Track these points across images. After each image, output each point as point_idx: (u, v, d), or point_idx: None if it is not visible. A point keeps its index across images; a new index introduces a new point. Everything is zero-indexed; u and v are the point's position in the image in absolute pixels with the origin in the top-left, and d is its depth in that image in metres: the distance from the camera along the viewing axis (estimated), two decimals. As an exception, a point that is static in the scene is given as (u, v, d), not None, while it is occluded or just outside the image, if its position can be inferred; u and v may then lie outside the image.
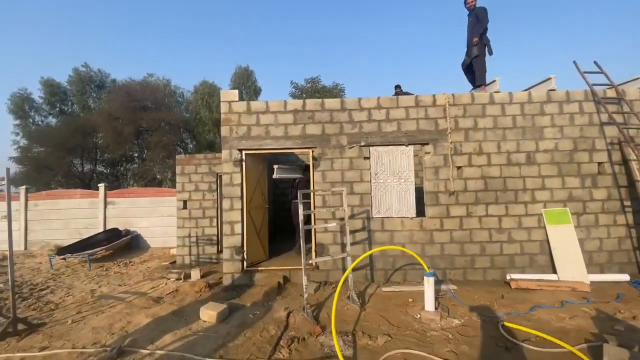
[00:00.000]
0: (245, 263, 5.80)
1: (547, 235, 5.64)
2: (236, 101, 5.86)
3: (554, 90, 5.89)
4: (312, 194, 5.68)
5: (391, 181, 5.77)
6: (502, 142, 5.73)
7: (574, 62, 6.10)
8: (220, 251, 7.72)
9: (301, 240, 4.47)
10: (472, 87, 6.64)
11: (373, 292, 5.15)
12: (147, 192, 10.24)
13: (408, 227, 5.67)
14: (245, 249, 5.79)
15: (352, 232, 5.65)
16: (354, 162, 5.76)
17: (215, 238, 7.70)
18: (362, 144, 5.72)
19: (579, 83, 6.61)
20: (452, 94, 5.79)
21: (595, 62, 6.21)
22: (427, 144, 5.75)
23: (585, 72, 6.00)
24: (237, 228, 5.77)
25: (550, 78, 5.95)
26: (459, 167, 5.72)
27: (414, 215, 5.72)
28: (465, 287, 5.28)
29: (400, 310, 4.44)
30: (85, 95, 20.87)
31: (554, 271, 5.56)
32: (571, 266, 5.43)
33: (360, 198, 5.72)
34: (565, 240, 5.54)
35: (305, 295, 4.39)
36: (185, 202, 7.77)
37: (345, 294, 5.11)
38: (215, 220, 7.72)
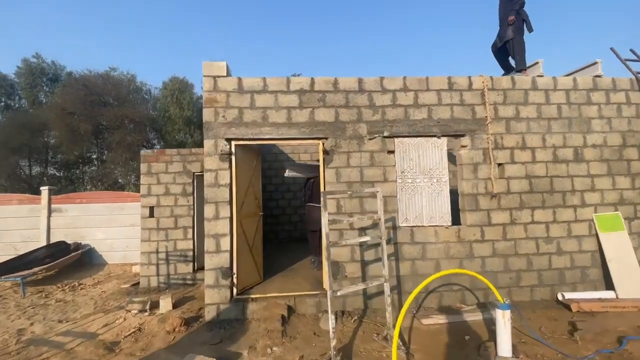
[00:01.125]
0: (235, 289, 4.24)
1: (598, 244, 4.62)
2: (224, 76, 4.34)
3: (600, 76, 4.95)
4: (322, 197, 4.28)
5: (421, 181, 4.50)
6: (547, 135, 4.67)
7: (612, 49, 5.23)
8: (196, 270, 6.05)
9: (326, 263, 3.04)
10: (503, 72, 5.58)
11: (410, 326, 3.81)
12: (104, 196, 8.25)
13: (443, 238, 4.41)
14: (235, 271, 4.24)
15: (375, 245, 4.30)
16: (376, 157, 4.43)
17: (190, 254, 6.01)
18: (386, 134, 4.41)
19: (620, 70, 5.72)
20: (491, 77, 4.67)
21: (631, 50, 5.38)
22: (463, 135, 4.56)
23: (626, 60, 5.14)
24: (225, 243, 4.21)
25: (596, 62, 5.02)
26: (499, 164, 4.58)
27: (450, 224, 4.48)
28: (516, 312, 4.10)
29: (464, 357, 3.12)
30: (35, 89, 17.91)
31: (608, 287, 4.56)
32: (629, 280, 4.43)
33: (384, 202, 4.39)
34: (620, 250, 4.55)
35: (333, 343, 2.95)
36: (152, 208, 6.03)
37: (374, 331, 3.73)
38: (190, 231, 6.04)
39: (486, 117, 4.56)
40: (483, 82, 4.60)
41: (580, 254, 4.60)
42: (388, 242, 4.35)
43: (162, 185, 6.02)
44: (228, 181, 4.27)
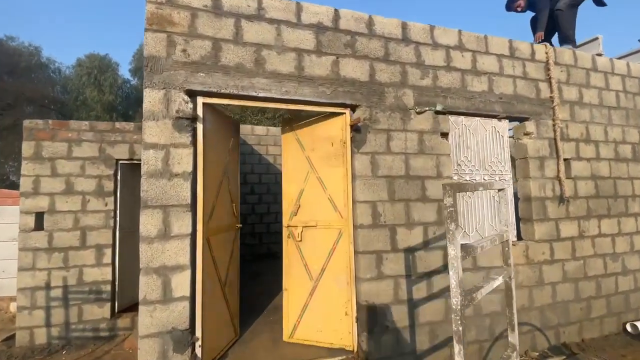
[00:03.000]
0: (198, 368, 2.20)
1: (656, 260, 3.71)
2: (187, -19, 2.33)
3: (648, 64, 4.14)
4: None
5: (480, 179, 3.04)
6: (608, 128, 3.63)
7: (640, 39, 4.53)
8: (117, 313, 3.70)
9: (455, 339, 1.31)
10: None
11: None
12: (-35, 196, 5.19)
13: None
14: (200, 332, 2.21)
15: (426, 274, 2.68)
16: (426, 141, 2.84)
17: (107, 288, 3.63)
18: (439, 107, 2.86)
19: None
20: (553, 47, 3.48)
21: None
22: (527, 119, 3.24)
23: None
24: (181, 283, 2.16)
25: (645, 47, 4.22)
26: (565, 160, 3.37)
27: (516, 238, 3.10)
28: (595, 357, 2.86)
29: None
30: None
31: (666, 311, 3.65)
32: (693, 304, 3.57)
33: (438, 209, 2.81)
34: (680, 268, 3.69)
35: None
36: (40, 215, 3.54)
37: None
38: (108, 252, 3.68)
39: (551, 97, 3.32)
40: (547, 53, 3.37)
41: (641, 273, 3.63)
42: (443, 269, 2.76)
43: (60, 179, 3.57)
44: (190, 168, 2.24)
